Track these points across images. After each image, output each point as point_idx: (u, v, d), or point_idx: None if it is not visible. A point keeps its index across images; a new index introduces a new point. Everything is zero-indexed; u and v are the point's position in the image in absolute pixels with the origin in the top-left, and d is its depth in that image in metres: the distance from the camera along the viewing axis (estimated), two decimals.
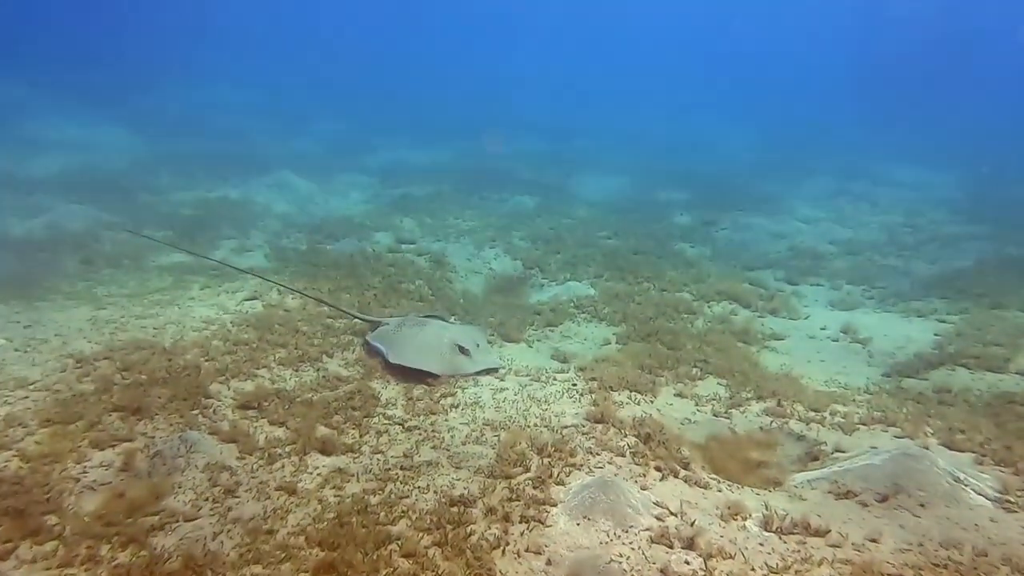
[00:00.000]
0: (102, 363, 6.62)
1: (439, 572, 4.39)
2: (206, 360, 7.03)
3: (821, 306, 11.46)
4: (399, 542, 4.64)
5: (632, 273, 12.12)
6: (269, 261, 11.39)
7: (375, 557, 4.44)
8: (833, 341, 9.85)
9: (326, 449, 5.79)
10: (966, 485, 5.44)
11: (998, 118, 36.31)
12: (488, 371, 7.84)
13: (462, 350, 7.77)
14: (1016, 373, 7.99)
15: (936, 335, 9.50)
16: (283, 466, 5.47)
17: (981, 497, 5.34)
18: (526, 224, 15.37)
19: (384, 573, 4.32)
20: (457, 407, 6.95)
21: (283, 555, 4.36)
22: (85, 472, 5.02)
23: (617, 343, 9.24)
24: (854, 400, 7.64)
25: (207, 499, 4.88)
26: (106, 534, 4.27)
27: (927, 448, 6.14)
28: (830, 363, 9.03)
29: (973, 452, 6.15)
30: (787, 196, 20.49)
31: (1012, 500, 5.30)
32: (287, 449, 5.68)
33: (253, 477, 5.25)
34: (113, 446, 5.33)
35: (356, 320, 8.72)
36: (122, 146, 22.76)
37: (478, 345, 8.10)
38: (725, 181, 22.35)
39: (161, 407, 5.84)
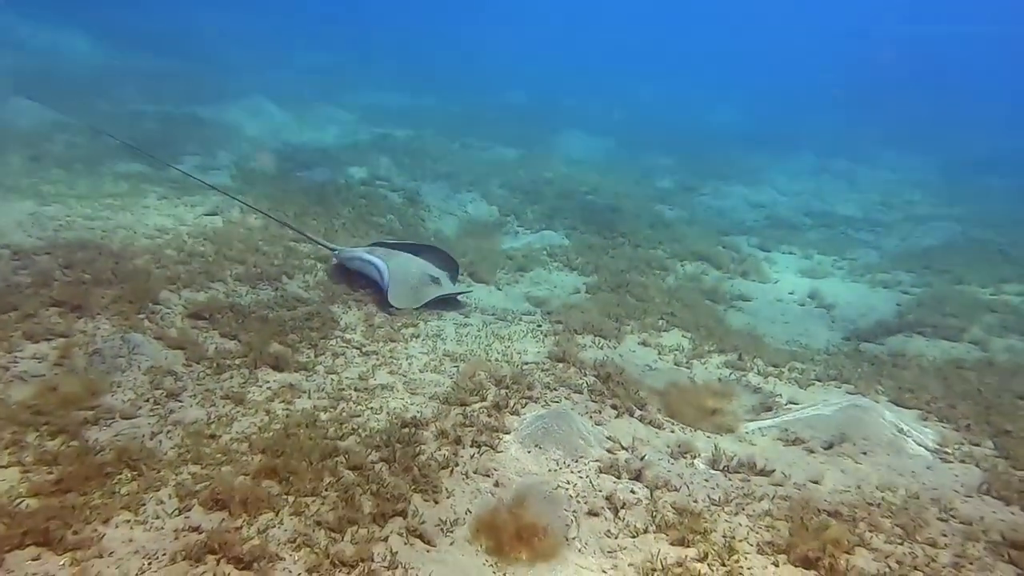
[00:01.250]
0: (42, 257, 6.31)
1: (384, 484, 4.34)
2: (157, 267, 6.76)
3: (791, 273, 11.56)
4: (346, 455, 4.58)
5: (608, 227, 12.03)
6: (234, 181, 10.95)
7: (320, 467, 4.37)
8: (799, 305, 9.97)
9: (279, 365, 5.66)
10: (908, 436, 5.57)
11: (985, 112, 36.64)
12: (454, 295, 7.81)
13: (434, 279, 7.66)
14: (969, 342, 8.19)
15: (898, 305, 9.67)
16: (232, 377, 5.33)
17: (921, 448, 5.49)
18: (506, 173, 15.11)
19: (328, 482, 4.26)
20: (418, 337, 6.85)
21: (224, 458, 4.26)
22: (15, 362, 4.80)
23: (587, 292, 9.21)
24: (812, 359, 7.76)
25: (147, 400, 4.73)
26: (34, 422, 4.11)
27: (877, 403, 6.27)
28: (793, 325, 9.14)
29: (919, 409, 6.31)
30: (769, 169, 20.51)
31: (949, 452, 5.45)
32: (237, 361, 5.54)
33: (199, 384, 5.11)
34: (48, 339, 5.11)
35: (320, 246, 8.47)
36: (88, 55, 21.54)
37: (447, 274, 8.02)
38: (711, 151, 22.24)
39: (104, 307, 5.62)
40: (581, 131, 22.72)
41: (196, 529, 3.55)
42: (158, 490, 3.79)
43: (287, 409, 5.11)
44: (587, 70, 40.25)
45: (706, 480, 4.95)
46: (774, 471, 5.12)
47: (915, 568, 4.06)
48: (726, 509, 4.57)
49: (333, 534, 3.82)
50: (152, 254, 7.08)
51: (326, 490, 4.16)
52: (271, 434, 4.66)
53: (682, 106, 33.25)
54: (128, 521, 3.49)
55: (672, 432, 5.69)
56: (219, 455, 4.29)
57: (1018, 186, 20.15)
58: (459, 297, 8.00)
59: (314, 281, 7.58)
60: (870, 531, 4.41)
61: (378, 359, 6.23)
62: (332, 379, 5.71)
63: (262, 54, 27.01)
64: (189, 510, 3.68)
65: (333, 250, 8.22)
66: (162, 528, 3.49)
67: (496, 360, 6.54)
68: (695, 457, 5.27)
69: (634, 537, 4.27)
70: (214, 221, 8.61)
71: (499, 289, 9.04)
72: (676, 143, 22.83)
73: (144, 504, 3.64)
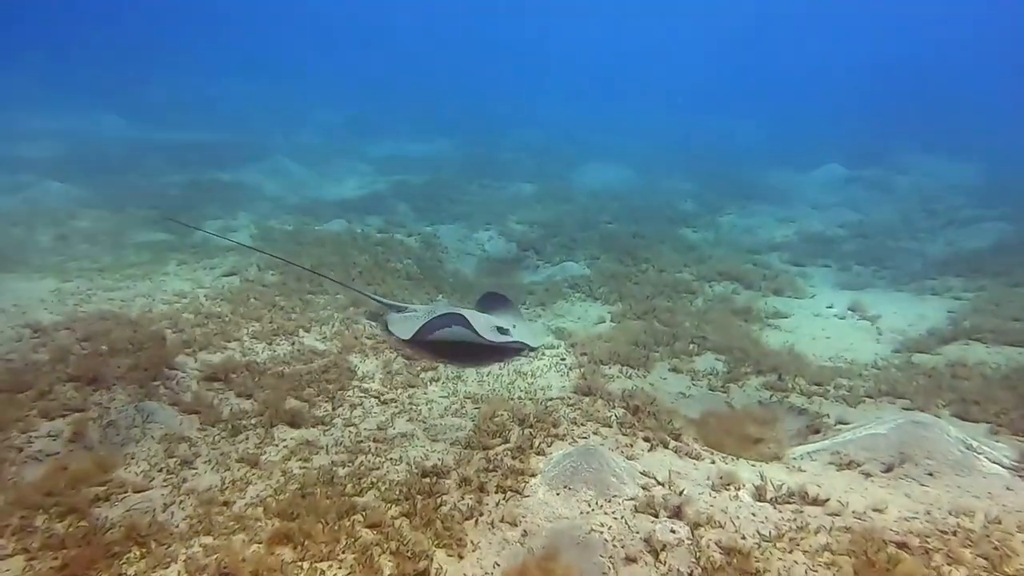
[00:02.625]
0: (61, 333, 6.39)
1: (404, 542, 4.08)
2: (174, 332, 6.77)
3: (828, 286, 11.03)
4: (364, 512, 4.34)
5: (630, 255, 11.75)
6: (253, 240, 11.14)
7: (336, 528, 4.14)
8: (840, 319, 9.43)
9: (295, 422, 5.51)
10: (979, 454, 5.03)
11: (1013, 109, 35.46)
12: (526, 347, 7.56)
13: (501, 331, 7.46)
14: None
15: (950, 312, 9.04)
16: (247, 438, 5.19)
17: (996, 465, 4.94)
18: (524, 209, 15.07)
19: (345, 543, 4.01)
20: (438, 380, 6.65)
21: (237, 526, 4.07)
22: (30, 442, 4.76)
23: (612, 321, 8.90)
24: (860, 375, 7.23)
25: (161, 470, 4.61)
26: (44, 504, 4.01)
27: (939, 418, 5.73)
28: (836, 340, 8.60)
29: (988, 423, 5.74)
30: (797, 184, 20.02)
31: None
32: (253, 421, 5.41)
33: (214, 448, 4.97)
34: (64, 415, 5.07)
35: (361, 299, 8.33)
36: (116, 134, 22.69)
37: (514, 326, 7.82)
38: (734, 171, 21.90)
39: (119, 377, 5.59)
40: (599, 163, 22.72)
41: None
42: (167, 567, 3.61)
43: (304, 467, 4.93)
44: (600, 105, 40.75)
45: (753, 514, 4.51)
46: (828, 499, 4.64)
47: None
48: (778, 545, 4.13)
49: None
50: (170, 319, 7.13)
51: (343, 552, 3.92)
52: (286, 496, 4.47)
53: (702, 130, 33.13)
54: None
55: (712, 463, 5.28)
56: (232, 523, 4.10)
57: None
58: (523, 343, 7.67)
59: (331, 332, 7.50)
60: (948, 564, 3.91)
61: (397, 407, 6.03)
62: (350, 432, 5.52)
63: (280, 116, 28.15)
64: None
65: (392, 307, 8.02)
66: None
67: (519, 398, 6.26)
68: (739, 489, 4.84)
69: None
70: (232, 281, 8.69)
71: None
72: (697, 167, 22.60)
73: None
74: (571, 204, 16.07)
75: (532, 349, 7.59)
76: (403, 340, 7.39)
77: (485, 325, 7.34)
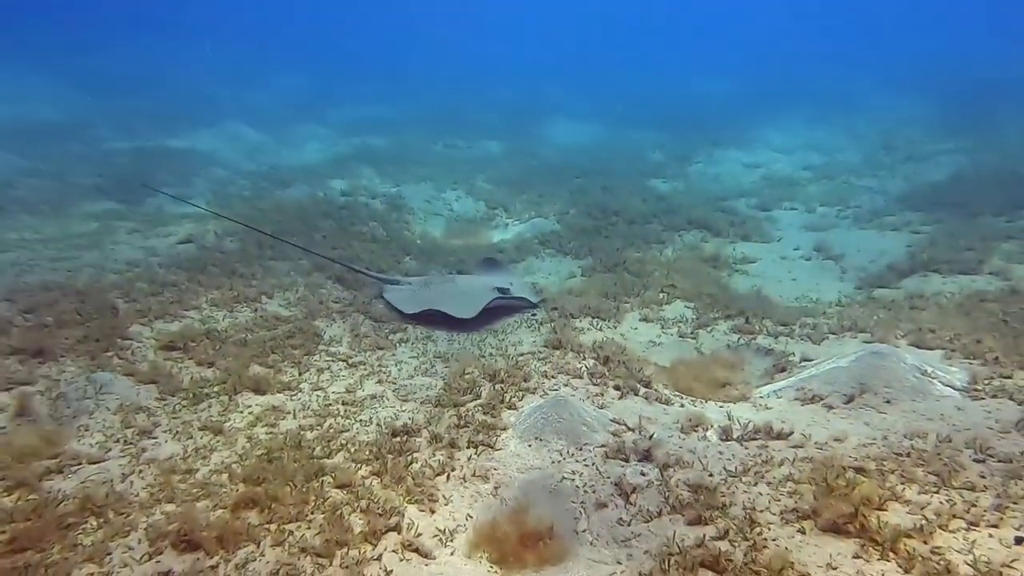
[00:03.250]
0: (0, 305, 6.10)
1: (375, 500, 4.06)
2: (126, 302, 6.53)
3: (795, 229, 11.15)
4: (333, 474, 4.31)
5: (600, 208, 11.68)
6: (210, 206, 10.74)
7: (304, 490, 4.10)
8: (806, 260, 9.58)
9: (260, 388, 5.41)
10: (933, 379, 5.19)
11: (966, 44, 35.70)
12: (530, 304, 7.47)
13: (501, 290, 7.35)
14: (989, 273, 7.74)
15: (909, 246, 9.23)
16: (210, 406, 5.08)
17: (949, 388, 5.10)
18: (491, 167, 14.82)
19: (313, 504, 3.99)
20: (407, 342, 6.58)
21: (201, 492, 4.01)
22: None
23: (582, 275, 8.88)
24: (824, 313, 7.37)
25: (118, 441, 4.49)
26: None
27: (896, 348, 5.88)
28: (801, 281, 8.74)
29: (943, 348, 5.90)
30: (763, 129, 20.02)
31: (979, 388, 5.06)
32: (216, 389, 5.29)
33: (174, 418, 4.86)
34: (8, 389, 4.89)
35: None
36: (60, 100, 21.46)
37: (511, 283, 7.72)
38: (701, 120, 21.79)
39: (69, 349, 5.40)
40: (567, 118, 22.42)
41: (167, 574, 3.29)
42: (126, 536, 3.54)
43: (271, 433, 4.85)
44: (572, 59, 39.90)
45: (720, 452, 4.61)
46: (792, 433, 4.76)
47: (954, 516, 3.69)
48: (744, 479, 4.23)
49: (320, 560, 3.54)
50: (121, 289, 6.86)
51: (311, 513, 3.89)
52: (252, 461, 4.40)
53: (670, 83, 32.76)
54: (91, 574, 3.24)
55: (681, 407, 5.36)
56: (195, 490, 4.04)
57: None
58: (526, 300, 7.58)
59: (295, 298, 7.33)
60: (902, 483, 4.05)
61: (366, 369, 5.96)
62: (318, 396, 5.45)
63: (236, 82, 26.96)
64: (160, 554, 3.43)
65: (384, 281, 7.83)
66: None
67: (490, 355, 6.24)
68: (707, 429, 4.93)
69: (648, 522, 3.95)
70: (187, 249, 8.38)
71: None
72: (666, 118, 22.42)
73: (110, 553, 3.39)
74: (539, 160, 15.86)
75: (534, 305, 7.53)
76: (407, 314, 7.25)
77: (481, 289, 7.26)
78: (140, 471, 4.17)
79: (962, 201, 10.78)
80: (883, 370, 5.29)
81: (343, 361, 6.08)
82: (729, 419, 5.02)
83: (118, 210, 10.50)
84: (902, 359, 5.36)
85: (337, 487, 4.20)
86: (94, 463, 4.19)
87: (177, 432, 4.68)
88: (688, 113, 23.75)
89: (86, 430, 4.53)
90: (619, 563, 3.69)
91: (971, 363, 5.55)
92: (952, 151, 14.60)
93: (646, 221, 11.07)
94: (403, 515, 3.94)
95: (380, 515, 3.91)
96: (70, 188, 11.57)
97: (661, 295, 7.87)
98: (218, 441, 4.66)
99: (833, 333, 6.68)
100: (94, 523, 3.61)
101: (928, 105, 22.02)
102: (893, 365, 5.30)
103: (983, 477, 4.03)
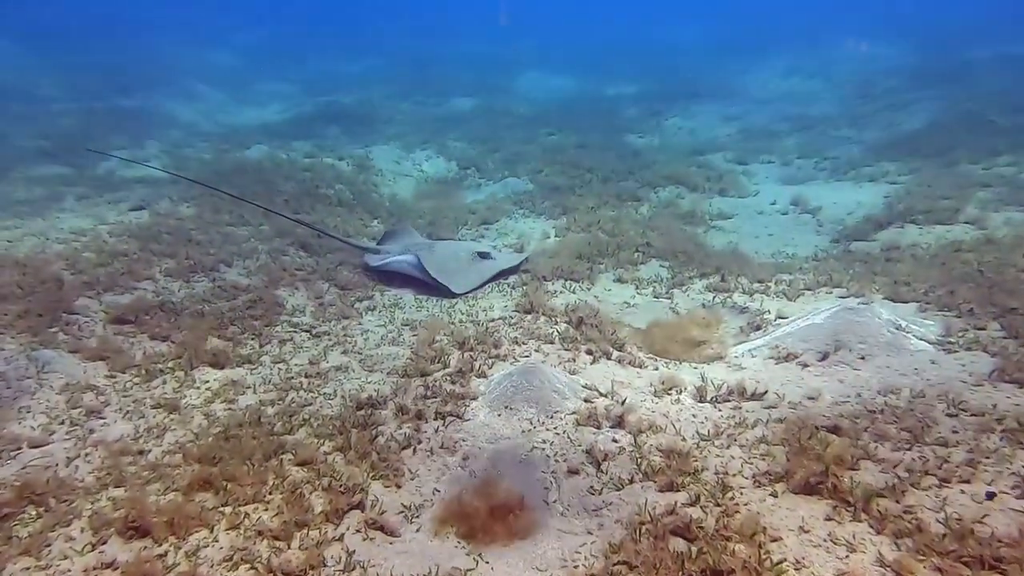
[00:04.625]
0: None
1: (337, 477, 3.91)
2: (72, 274, 6.16)
3: (772, 182, 10.99)
4: (294, 451, 4.13)
5: (574, 166, 11.37)
6: (166, 169, 10.16)
7: (263, 468, 3.92)
8: (783, 215, 9.45)
9: (218, 362, 5.17)
10: (908, 332, 5.13)
11: None
12: (514, 267, 7.16)
13: (483, 255, 7.04)
14: (965, 223, 7.68)
15: (886, 197, 9.13)
16: (164, 382, 4.84)
17: (923, 342, 5.05)
18: (463, 125, 14.32)
19: (272, 483, 3.82)
20: (374, 310, 6.35)
21: (152, 475, 3.81)
22: None
23: (556, 236, 8.65)
24: (800, 268, 7.28)
25: (63, 422, 4.25)
26: None
27: (871, 303, 5.81)
28: (778, 236, 8.63)
29: (917, 301, 5.84)
30: (739, 80, 19.65)
31: (953, 341, 5.01)
32: (170, 364, 5.04)
33: (125, 396, 4.61)
34: None
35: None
36: (3, 56, 20.15)
37: (495, 247, 7.38)
38: (677, 72, 21.28)
39: (8, 325, 5.08)
40: (540, 72, 21.73)
41: (111, 565, 3.11)
42: (68, 525, 3.34)
43: (229, 409, 4.65)
44: (547, 10, 38.55)
45: (694, 415, 4.52)
46: (766, 393, 4.68)
47: (926, 473, 3.65)
48: (716, 443, 4.15)
49: (277, 543, 3.39)
50: (67, 259, 6.46)
51: (270, 494, 3.72)
52: (209, 440, 4.20)
53: (644, 34, 31.87)
54: (27, 569, 3.05)
55: (655, 369, 5.25)
56: (146, 473, 3.83)
57: (1000, 54, 19.25)
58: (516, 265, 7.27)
59: (256, 266, 7.00)
60: (875, 442, 4.00)
61: (330, 339, 5.74)
62: (279, 369, 5.23)
63: (195, 39, 25.57)
64: (104, 543, 3.24)
65: (365, 250, 7.39)
66: (69, 571, 3.05)
67: (460, 321, 6.05)
68: (681, 392, 4.83)
69: (619, 490, 3.85)
70: (140, 216, 7.93)
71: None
72: (640, 71, 21.84)
73: (49, 545, 3.19)
74: (512, 117, 15.38)
75: (517, 266, 7.24)
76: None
77: (464, 257, 6.95)
78: (86, 454, 3.95)
79: (939, 149, 10.68)
80: (858, 326, 5.22)
81: (306, 332, 5.84)
82: (703, 380, 4.93)
83: (66, 175, 9.86)
84: (877, 314, 5.28)
85: (298, 464, 4.04)
86: (36, 447, 3.95)
87: (128, 411, 4.44)
88: (663, 64, 23.19)
89: (27, 412, 4.27)
90: (590, 533, 3.60)
91: (945, 315, 5.49)
92: (929, 99, 14.43)
93: (621, 178, 10.81)
94: (367, 492, 3.80)
95: (343, 493, 3.76)
96: (11, 151, 10.85)
97: (636, 254, 7.69)
98: (172, 420, 4.44)
99: (809, 289, 6.59)
100: (33, 512, 3.40)
101: (905, 53, 21.75)
102: (868, 320, 5.23)
103: (955, 432, 3.99)
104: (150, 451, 4.07)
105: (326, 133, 13.05)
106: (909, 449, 3.89)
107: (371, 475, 3.97)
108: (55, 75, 17.19)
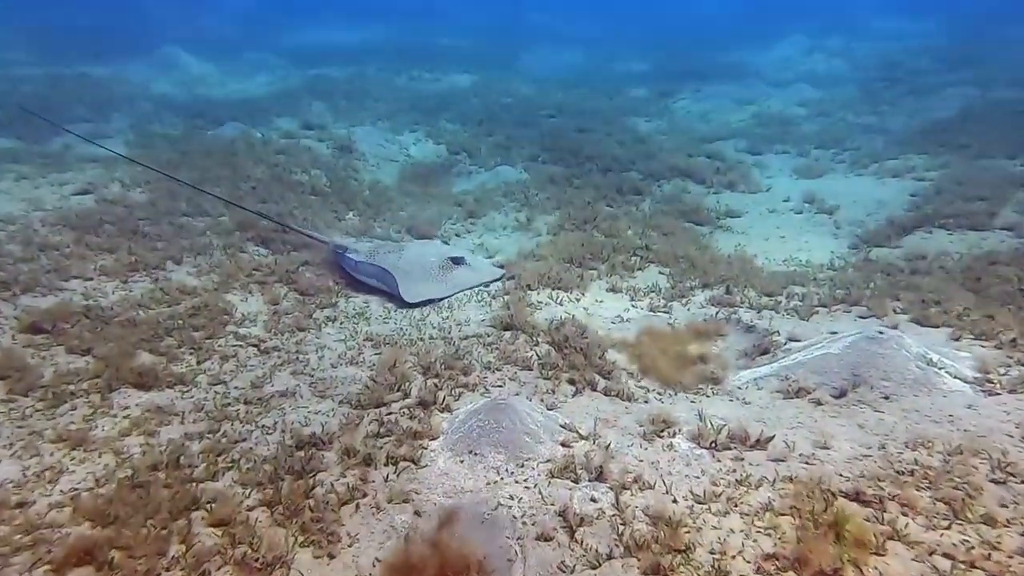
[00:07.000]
0: None
1: (255, 545, 3.26)
2: None
3: (785, 175, 10.16)
4: (212, 504, 3.48)
5: (573, 154, 10.54)
6: (129, 148, 9.37)
7: (166, 532, 3.28)
8: (796, 214, 8.65)
9: (144, 383, 4.51)
10: (940, 368, 4.40)
11: None
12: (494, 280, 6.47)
13: (456, 261, 6.36)
14: (1001, 229, 6.87)
15: (912, 196, 8.30)
16: (74, 408, 4.19)
17: (957, 381, 4.33)
18: (458, 104, 13.44)
19: (174, 554, 3.17)
20: (335, 320, 5.66)
21: (25, 540, 3.16)
22: None
23: (548, 234, 7.89)
24: (815, 279, 6.53)
25: None
26: None
27: (895, 327, 5.08)
28: (791, 239, 7.85)
29: (949, 327, 5.10)
30: (756, 60, 18.55)
31: (993, 380, 4.29)
32: (85, 385, 4.38)
33: (21, 426, 3.97)
34: None
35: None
36: None
37: (472, 251, 6.67)
38: (691, 49, 20.15)
39: None
40: (546, 46, 20.65)
41: None
42: None
43: (146, 444, 4.00)
44: None
45: (688, 465, 3.85)
46: (773, 438, 4.00)
47: (972, 566, 2.98)
48: (713, 508, 3.48)
49: None
50: None
51: (167, 570, 3.08)
52: (112, 487, 3.56)
53: (661, 6, 30.50)
54: None
55: (646, 403, 4.56)
56: (18, 536, 3.19)
57: None
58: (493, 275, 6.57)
59: (209, 264, 6.29)
60: (904, 514, 3.31)
61: (280, 356, 5.07)
62: (216, 392, 4.57)
63: (179, 2, 24.48)
64: None
65: (339, 250, 6.66)
66: None
67: (430, 337, 5.35)
68: (674, 434, 4.16)
69: (595, 568, 3.20)
70: (83, 202, 7.19)
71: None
72: (652, 46, 20.72)
73: None
74: (512, 97, 14.47)
75: (496, 279, 6.52)
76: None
77: (432, 263, 6.28)
78: None
79: (971, 142, 9.77)
80: (881, 359, 4.50)
81: (254, 346, 5.17)
82: (701, 419, 4.24)
83: (13, 149, 9.00)
84: (904, 346, 4.55)
85: (212, 525, 3.39)
86: None
87: (20, 448, 3.79)
88: (677, 40, 22.03)
89: None
90: None
91: (982, 345, 4.76)
92: (961, 83, 13.39)
93: (623, 169, 9.99)
94: (289, 567, 3.16)
95: (258, 569, 3.12)
96: None
97: (633, 259, 6.95)
98: (73, 459, 3.79)
99: (824, 306, 5.86)
100: None
101: (934, 30, 20.50)
102: (893, 353, 4.51)
103: (1005, 507, 3.29)
104: (34, 503, 3.42)
105: (310, 109, 12.23)
106: (948, 529, 3.20)
107: (299, 540, 3.33)
108: (22, 36, 16.25)
